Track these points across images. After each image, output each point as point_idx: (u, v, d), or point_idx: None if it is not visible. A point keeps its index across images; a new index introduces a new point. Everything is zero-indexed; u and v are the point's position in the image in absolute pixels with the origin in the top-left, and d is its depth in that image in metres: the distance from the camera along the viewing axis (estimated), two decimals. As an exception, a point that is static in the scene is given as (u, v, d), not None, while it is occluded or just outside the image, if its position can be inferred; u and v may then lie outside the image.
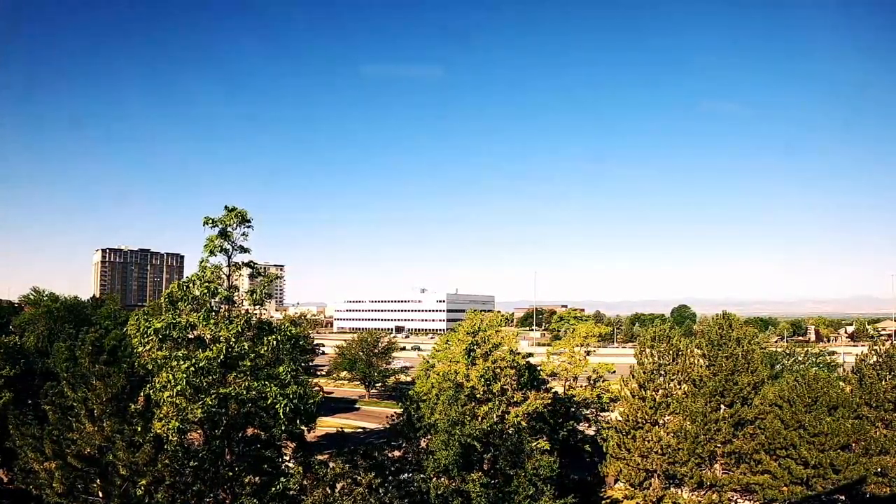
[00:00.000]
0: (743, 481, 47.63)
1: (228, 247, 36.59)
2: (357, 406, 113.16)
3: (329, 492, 31.11)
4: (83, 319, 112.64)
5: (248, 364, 35.52)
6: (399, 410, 53.56)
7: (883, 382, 48.39)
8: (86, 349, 28.71)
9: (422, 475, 39.32)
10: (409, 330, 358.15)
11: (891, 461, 44.71)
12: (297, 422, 41.55)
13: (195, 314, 35.62)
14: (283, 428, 37.74)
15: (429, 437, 44.15)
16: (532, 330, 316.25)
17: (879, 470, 44.56)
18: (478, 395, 53.20)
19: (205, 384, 34.69)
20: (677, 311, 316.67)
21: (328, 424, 72.46)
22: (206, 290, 35.96)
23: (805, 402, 45.79)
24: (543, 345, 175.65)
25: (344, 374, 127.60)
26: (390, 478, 36.10)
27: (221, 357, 34.30)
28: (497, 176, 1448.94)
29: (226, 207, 36.48)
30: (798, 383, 47.37)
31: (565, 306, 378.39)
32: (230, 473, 34.54)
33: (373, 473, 32.89)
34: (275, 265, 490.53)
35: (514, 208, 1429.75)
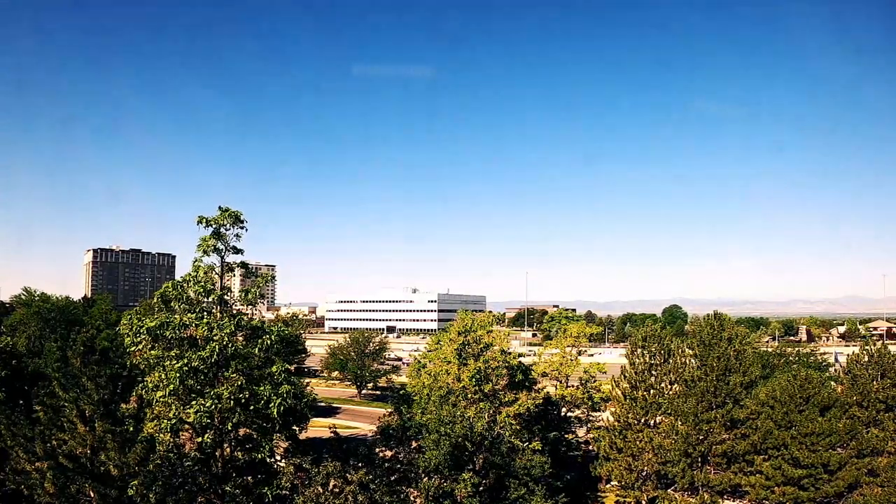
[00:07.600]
0: (735, 482, 47.78)
1: (222, 247, 36.50)
2: (348, 407, 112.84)
3: (321, 491, 31.00)
4: (74, 320, 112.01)
5: (242, 364, 35.43)
6: (390, 410, 53.46)
7: (875, 383, 48.65)
8: (77, 350, 28.55)
9: (413, 474, 39.27)
10: (400, 330, 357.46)
11: (883, 462, 44.88)
12: (291, 421, 41.46)
13: (190, 314, 35.52)
14: (276, 428, 37.66)
15: (420, 437, 44.03)
16: (523, 330, 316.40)
17: (870, 470, 44.73)
18: (469, 396, 53.13)
19: (197, 385, 34.59)
20: (668, 311, 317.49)
21: (319, 425, 72.15)
22: (200, 290, 35.88)
23: (797, 403, 45.97)
24: (535, 345, 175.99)
25: (335, 374, 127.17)
26: (383, 478, 35.94)
27: (215, 357, 34.18)
28: (488, 176, 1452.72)
29: (220, 208, 36.37)
30: (790, 383, 47.50)
31: (556, 306, 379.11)
32: (222, 473, 34.43)
33: (364, 471, 32.78)
34: (266, 265, 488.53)
35: (505, 209, 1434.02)
